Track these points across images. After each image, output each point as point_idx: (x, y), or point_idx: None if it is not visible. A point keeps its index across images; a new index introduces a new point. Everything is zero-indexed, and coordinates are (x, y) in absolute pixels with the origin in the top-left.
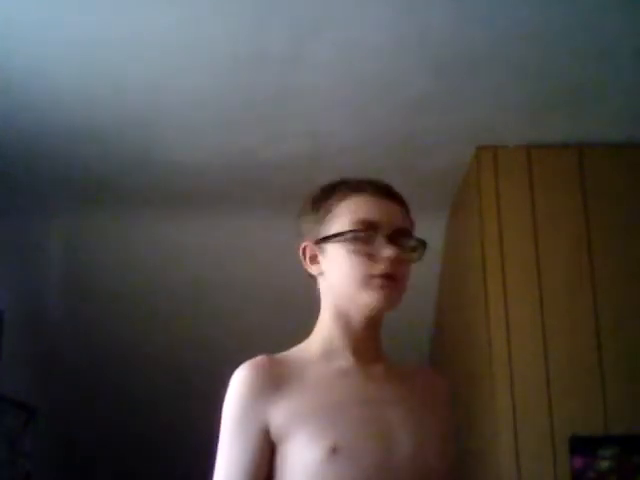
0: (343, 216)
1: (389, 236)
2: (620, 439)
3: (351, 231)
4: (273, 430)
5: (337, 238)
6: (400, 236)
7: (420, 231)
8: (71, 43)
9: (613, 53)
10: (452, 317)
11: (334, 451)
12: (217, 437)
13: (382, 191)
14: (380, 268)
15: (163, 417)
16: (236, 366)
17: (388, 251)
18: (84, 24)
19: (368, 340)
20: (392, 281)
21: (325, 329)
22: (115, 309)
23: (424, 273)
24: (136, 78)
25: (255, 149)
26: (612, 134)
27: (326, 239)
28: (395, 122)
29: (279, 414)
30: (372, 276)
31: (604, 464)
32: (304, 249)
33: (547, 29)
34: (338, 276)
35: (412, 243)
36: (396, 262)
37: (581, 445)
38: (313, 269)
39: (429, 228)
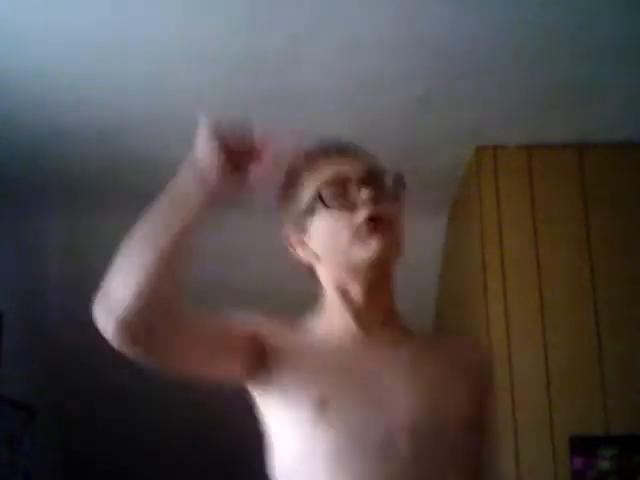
0: (309, 188)
1: (361, 180)
2: (620, 439)
3: (320, 193)
4: (268, 350)
5: (310, 208)
6: (373, 179)
7: (420, 231)
8: (71, 43)
9: (613, 53)
10: (452, 317)
11: (322, 403)
12: (217, 437)
13: (337, 151)
14: (363, 213)
15: (163, 417)
16: None
17: (364, 193)
18: (84, 24)
19: (371, 309)
20: (380, 224)
21: (327, 308)
22: None
23: (424, 273)
24: (136, 78)
25: None
26: (612, 134)
27: (303, 216)
28: (395, 122)
29: (275, 350)
30: (357, 225)
31: (604, 464)
32: (289, 238)
33: (547, 29)
34: (326, 242)
35: (387, 181)
36: (377, 202)
37: (581, 445)
38: (304, 254)
39: (429, 228)
